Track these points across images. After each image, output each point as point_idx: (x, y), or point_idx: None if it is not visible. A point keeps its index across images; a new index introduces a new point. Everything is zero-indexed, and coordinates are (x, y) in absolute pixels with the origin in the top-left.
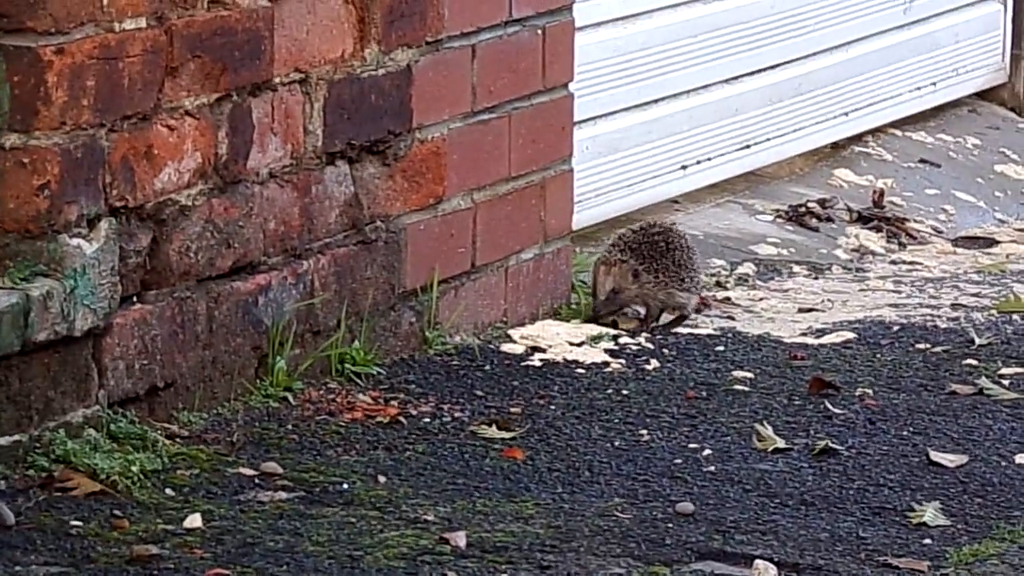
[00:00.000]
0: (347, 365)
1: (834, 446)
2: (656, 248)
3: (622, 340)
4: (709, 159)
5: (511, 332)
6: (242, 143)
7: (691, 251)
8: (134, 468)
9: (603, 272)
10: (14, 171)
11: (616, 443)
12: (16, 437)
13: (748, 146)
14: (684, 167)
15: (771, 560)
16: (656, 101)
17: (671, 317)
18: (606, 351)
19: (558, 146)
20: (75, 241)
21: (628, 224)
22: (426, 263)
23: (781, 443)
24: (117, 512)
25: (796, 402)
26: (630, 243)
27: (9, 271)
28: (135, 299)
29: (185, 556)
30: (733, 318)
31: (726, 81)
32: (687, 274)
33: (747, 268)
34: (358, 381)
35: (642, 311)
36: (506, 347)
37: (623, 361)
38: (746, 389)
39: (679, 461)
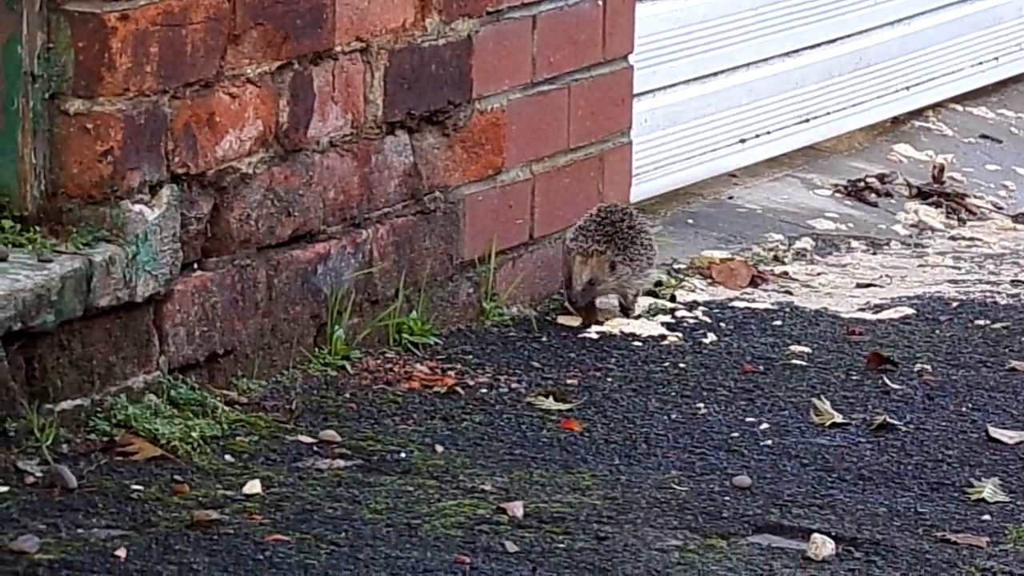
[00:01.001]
0: (404, 335)
1: (892, 421)
2: (625, 236)
3: (679, 313)
4: (768, 132)
5: (568, 304)
6: (303, 112)
7: (648, 228)
8: (194, 434)
9: (579, 262)
10: (78, 137)
11: (673, 416)
12: (78, 401)
13: (807, 120)
14: (743, 140)
15: (828, 534)
16: (716, 74)
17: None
18: (663, 324)
19: (617, 118)
20: (137, 207)
21: (686, 198)
22: (484, 234)
23: (839, 418)
24: (177, 477)
25: (854, 377)
26: (601, 231)
27: (72, 236)
28: (196, 266)
29: (244, 522)
30: (791, 292)
31: (786, 54)
32: (651, 252)
33: (805, 243)
34: (415, 351)
35: (615, 301)
36: (563, 319)
37: (680, 334)
38: (803, 364)
39: (736, 434)
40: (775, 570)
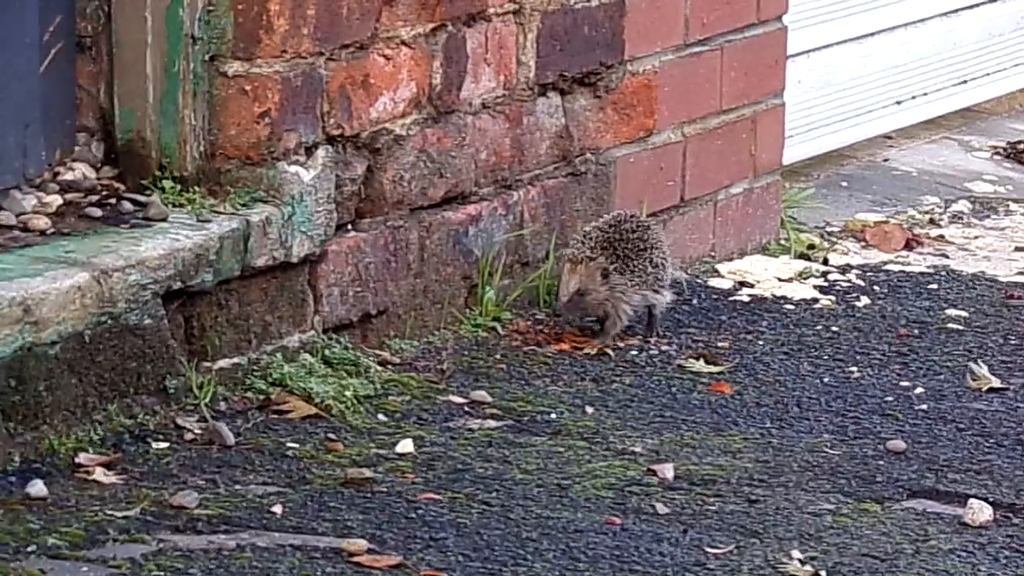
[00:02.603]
0: (555, 296)
1: None
2: (631, 246)
3: (832, 276)
4: (925, 94)
5: (719, 267)
6: (456, 73)
7: (665, 247)
8: (348, 393)
9: (568, 270)
10: (236, 98)
11: (825, 379)
12: (236, 360)
13: (965, 81)
14: (899, 102)
15: (985, 499)
16: (871, 35)
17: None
18: (816, 287)
19: (770, 80)
20: (293, 168)
21: (839, 160)
22: (635, 196)
23: (996, 382)
24: (331, 435)
25: (1012, 342)
26: (602, 239)
27: (230, 197)
28: (350, 227)
29: (397, 480)
30: (947, 256)
31: (944, 14)
32: (663, 272)
33: (962, 205)
34: None
35: (602, 316)
36: (714, 282)
37: (833, 297)
38: (960, 328)
39: (890, 399)
40: (930, 535)
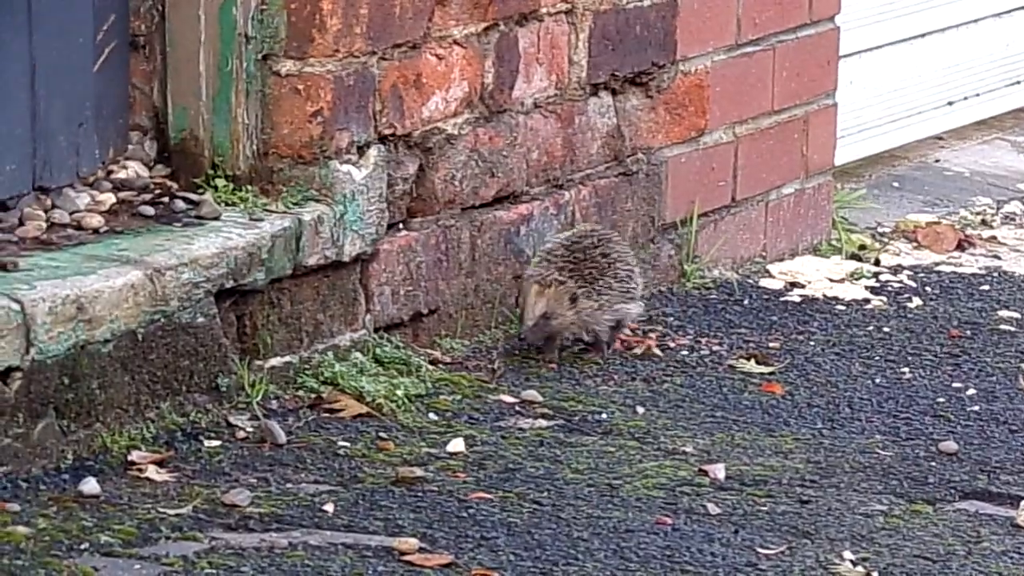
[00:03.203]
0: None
1: None
2: (596, 264)
3: (883, 277)
4: (977, 95)
5: (770, 267)
6: (508, 73)
7: (630, 258)
8: (399, 392)
9: (535, 293)
10: (289, 97)
11: (877, 380)
12: (287, 358)
13: (1018, 82)
14: (951, 103)
15: None
16: (923, 35)
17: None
18: (867, 288)
19: (822, 80)
20: (345, 167)
21: (891, 161)
22: (686, 196)
23: None
24: (383, 434)
25: None
26: (567, 258)
27: (282, 196)
28: (401, 226)
29: (448, 479)
30: (999, 257)
31: (996, 15)
32: (630, 285)
33: (1014, 206)
34: None
35: (586, 336)
36: (765, 282)
37: (884, 298)
38: (1012, 329)
39: (942, 400)
40: (983, 537)
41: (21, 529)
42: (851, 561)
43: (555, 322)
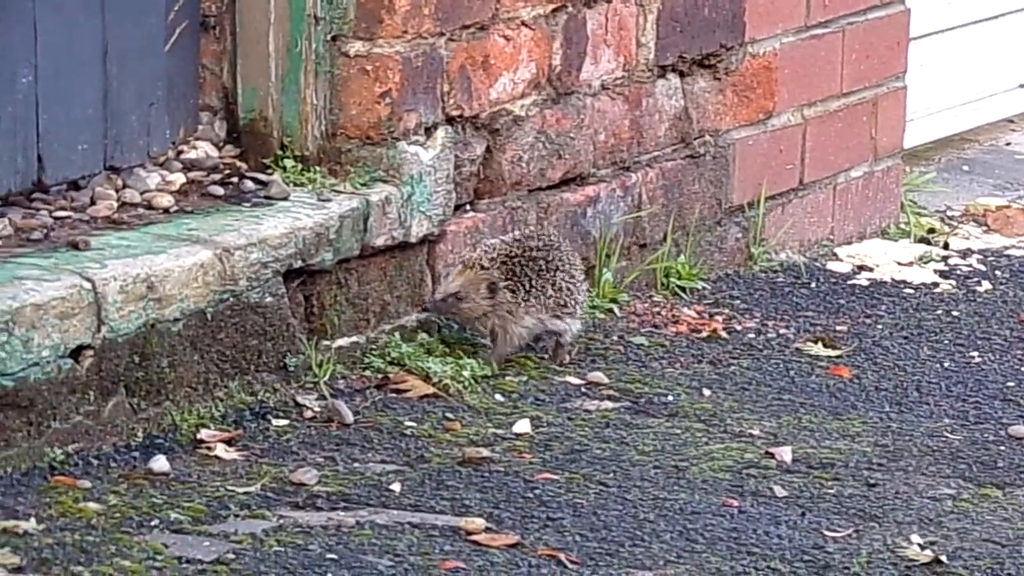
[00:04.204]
0: (672, 279)
1: None
2: (532, 267)
3: (952, 261)
4: None
5: (837, 250)
6: (576, 54)
7: (577, 272)
8: (465, 373)
9: (457, 272)
10: (357, 78)
11: (945, 364)
12: (354, 339)
13: None
14: (1022, 85)
15: None
16: (995, 17)
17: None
18: (936, 271)
19: (892, 62)
20: (413, 148)
21: (961, 144)
22: (753, 179)
23: None
24: (449, 415)
25: None
26: (505, 253)
27: (350, 176)
28: (468, 207)
29: (514, 460)
30: None
31: None
32: (569, 298)
33: None
34: (682, 295)
35: (491, 332)
36: (832, 265)
37: (953, 282)
38: None
39: (1012, 384)
40: None
41: (92, 505)
42: (919, 545)
43: (465, 305)
